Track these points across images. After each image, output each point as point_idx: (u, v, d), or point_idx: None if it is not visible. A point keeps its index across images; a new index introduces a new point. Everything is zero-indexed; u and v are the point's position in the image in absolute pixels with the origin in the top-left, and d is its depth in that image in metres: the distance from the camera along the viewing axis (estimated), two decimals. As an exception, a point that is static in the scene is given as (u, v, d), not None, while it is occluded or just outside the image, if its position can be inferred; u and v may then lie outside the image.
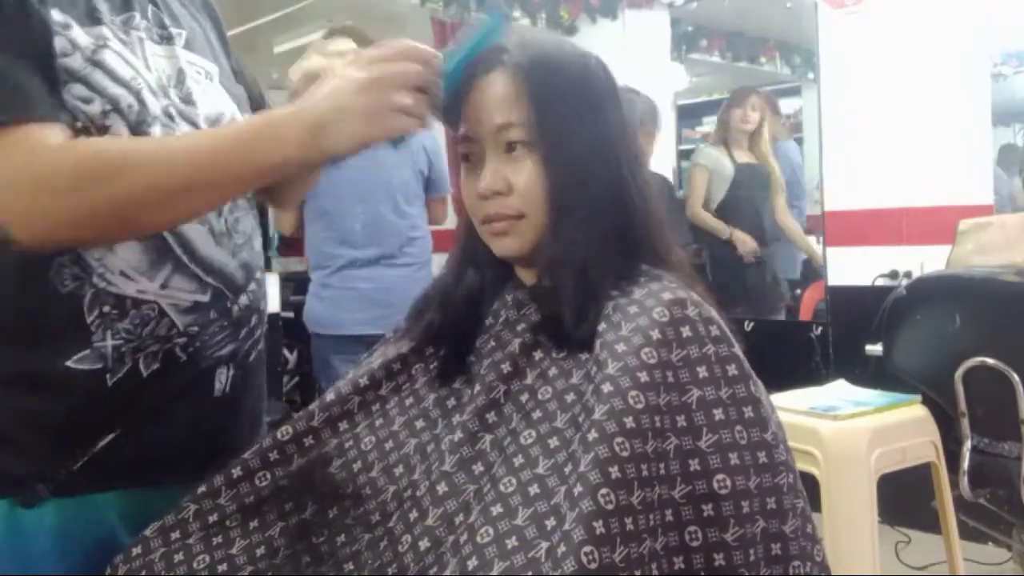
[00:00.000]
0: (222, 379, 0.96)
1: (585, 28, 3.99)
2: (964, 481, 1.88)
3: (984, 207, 2.78)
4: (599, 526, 0.68)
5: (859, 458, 1.88)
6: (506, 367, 0.84)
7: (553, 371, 0.82)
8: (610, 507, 0.69)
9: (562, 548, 0.68)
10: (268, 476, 0.88)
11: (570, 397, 0.79)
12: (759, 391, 0.79)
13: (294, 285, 4.26)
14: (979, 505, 1.94)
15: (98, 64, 0.86)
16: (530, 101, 0.84)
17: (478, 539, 0.73)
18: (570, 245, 0.84)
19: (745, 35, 4.24)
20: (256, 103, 1.12)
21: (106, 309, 0.87)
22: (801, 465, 0.82)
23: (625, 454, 0.71)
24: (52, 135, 0.80)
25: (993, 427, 1.88)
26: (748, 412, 0.77)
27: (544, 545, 0.70)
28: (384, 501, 0.84)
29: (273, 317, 3.10)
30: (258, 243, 1.04)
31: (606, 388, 0.74)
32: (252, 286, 1.00)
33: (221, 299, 0.95)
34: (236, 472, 0.88)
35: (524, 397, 0.82)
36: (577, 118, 0.86)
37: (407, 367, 0.92)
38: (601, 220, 0.85)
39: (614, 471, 0.70)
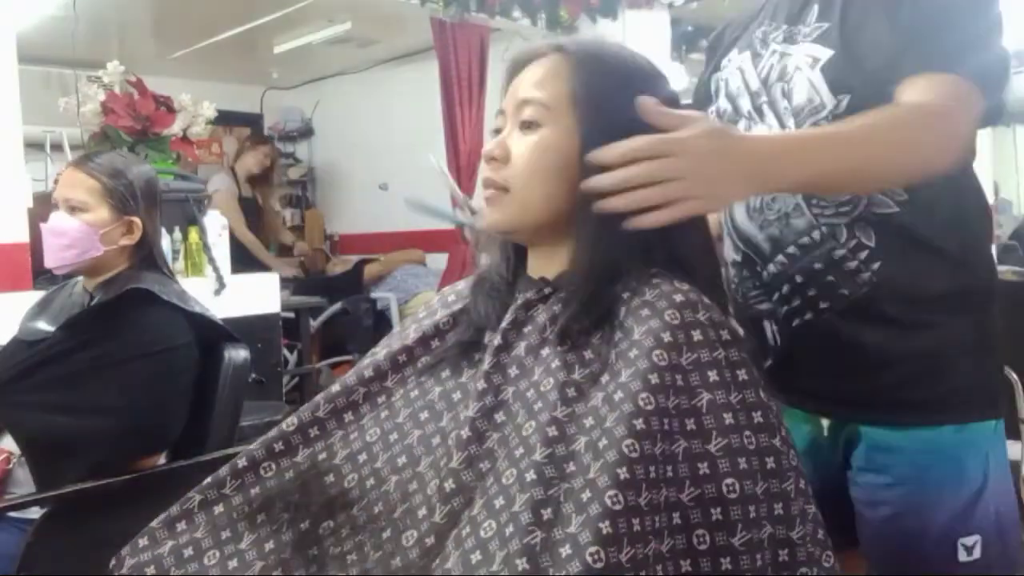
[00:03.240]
0: None
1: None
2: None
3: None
4: (605, 526, 0.68)
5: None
6: (513, 370, 0.84)
7: (555, 363, 0.82)
8: (617, 508, 0.69)
9: (567, 550, 0.68)
10: (273, 467, 0.88)
11: (571, 392, 0.79)
12: (768, 396, 0.79)
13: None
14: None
15: None
16: (567, 85, 0.86)
17: (481, 533, 0.73)
18: (583, 244, 0.85)
19: (745, 35, 4.23)
20: None
21: None
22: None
23: (634, 455, 0.71)
24: None
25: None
26: (757, 417, 0.77)
27: (539, 535, 0.70)
28: (387, 491, 0.84)
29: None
30: None
31: (618, 395, 0.75)
32: None
33: None
34: (241, 463, 0.88)
35: (530, 393, 0.82)
36: (609, 112, 0.84)
37: (412, 360, 0.93)
38: (612, 221, 0.84)
39: (622, 472, 0.70)
